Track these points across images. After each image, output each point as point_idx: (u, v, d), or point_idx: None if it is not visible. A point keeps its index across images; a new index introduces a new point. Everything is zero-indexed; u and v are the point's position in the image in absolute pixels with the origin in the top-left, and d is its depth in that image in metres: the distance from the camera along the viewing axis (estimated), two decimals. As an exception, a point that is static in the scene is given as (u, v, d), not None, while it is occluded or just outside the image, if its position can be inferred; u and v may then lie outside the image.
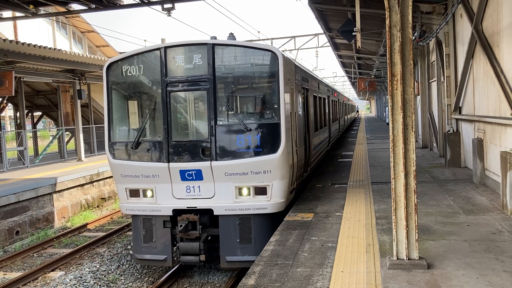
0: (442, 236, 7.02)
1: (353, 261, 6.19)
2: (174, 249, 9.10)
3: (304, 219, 8.59)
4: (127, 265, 10.27)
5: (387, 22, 5.61)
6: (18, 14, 13.98)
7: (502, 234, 7.01)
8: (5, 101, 24.88)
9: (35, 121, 29.78)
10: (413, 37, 14.17)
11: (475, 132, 11.96)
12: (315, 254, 6.59)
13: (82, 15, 28.24)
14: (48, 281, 9.64)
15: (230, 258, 8.62)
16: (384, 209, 8.93)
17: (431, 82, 18.95)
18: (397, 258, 5.75)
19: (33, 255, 11.65)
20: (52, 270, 10.24)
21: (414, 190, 5.66)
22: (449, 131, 14.13)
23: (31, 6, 12.80)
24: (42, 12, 13.81)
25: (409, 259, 5.72)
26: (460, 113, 13.68)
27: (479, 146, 11.08)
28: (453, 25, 14.02)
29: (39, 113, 29.68)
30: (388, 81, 5.67)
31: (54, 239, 12.68)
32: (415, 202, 5.67)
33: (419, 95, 20.67)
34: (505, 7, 9.24)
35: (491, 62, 10.01)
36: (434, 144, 18.22)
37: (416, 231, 5.69)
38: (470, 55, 11.95)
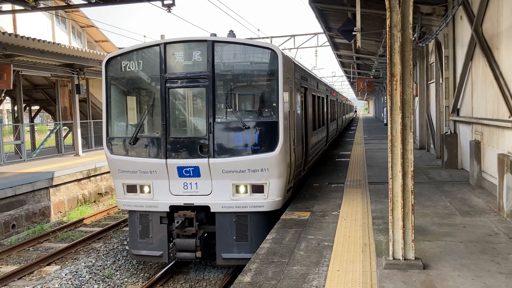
0: (438, 237, 7.04)
1: (349, 260, 6.21)
2: (170, 245, 9.11)
3: (300, 217, 8.60)
4: (123, 261, 10.27)
5: (388, 22, 5.62)
6: (17, 7, 13.92)
7: (498, 236, 7.03)
8: (3, 95, 24.76)
9: (32, 115, 29.71)
10: (413, 38, 14.20)
11: (472, 134, 11.99)
12: (311, 252, 6.60)
13: (82, 9, 28.15)
14: (43, 275, 9.63)
15: (226, 255, 8.62)
16: (381, 209, 8.94)
17: (430, 83, 18.98)
18: (393, 258, 5.77)
19: (29, 249, 11.63)
20: (47, 264, 10.23)
21: (412, 191, 5.67)
22: (446, 132, 14.16)
23: (31, 0, 12.74)
24: (41, 5, 13.75)
25: (405, 259, 5.73)
26: (458, 115, 13.71)
27: (476, 148, 11.10)
28: (452, 27, 14.04)
29: (37, 107, 29.61)
30: (388, 81, 5.68)
31: (50, 234, 12.67)
32: (412, 202, 5.68)
33: (417, 96, 20.71)
34: (506, 9, 9.25)
35: (490, 64, 10.03)
36: (432, 146, 18.25)
37: (413, 232, 5.70)
38: (469, 57, 11.97)
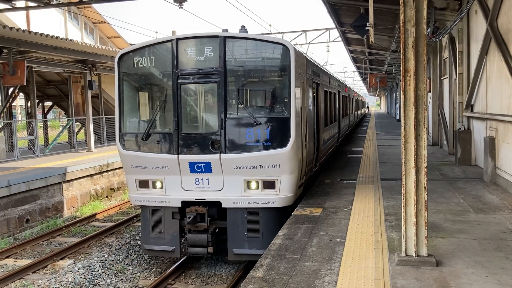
0: (452, 234, 6.98)
1: (361, 257, 6.18)
2: (182, 240, 9.15)
3: (312, 214, 8.58)
4: (135, 255, 10.34)
5: (402, 17, 5.56)
6: (30, 4, 14.06)
7: (512, 233, 6.95)
8: (17, 91, 25.03)
9: (45, 111, 29.98)
10: (426, 33, 14.05)
11: (487, 130, 11.85)
12: (324, 249, 6.59)
13: (94, 5, 28.29)
14: (57, 269, 9.74)
15: (237, 251, 8.64)
16: (393, 205, 8.89)
17: (443, 79, 18.78)
18: (406, 255, 5.73)
19: (42, 243, 11.77)
20: (61, 259, 10.35)
21: (425, 187, 5.62)
22: (460, 128, 14.01)
23: (44, -4, 12.83)
24: (54, 2, 13.85)
25: (418, 256, 5.69)
26: (471, 110, 13.55)
27: (490, 144, 10.97)
28: (467, 21, 13.86)
29: (50, 103, 29.85)
30: (401, 77, 5.63)
31: (63, 228, 12.80)
32: (426, 199, 5.64)
33: (430, 92, 20.49)
34: (521, 4, 9.11)
35: (505, 59, 9.89)
36: (445, 142, 18.08)
37: (426, 228, 5.66)
38: (484, 52, 11.82)
